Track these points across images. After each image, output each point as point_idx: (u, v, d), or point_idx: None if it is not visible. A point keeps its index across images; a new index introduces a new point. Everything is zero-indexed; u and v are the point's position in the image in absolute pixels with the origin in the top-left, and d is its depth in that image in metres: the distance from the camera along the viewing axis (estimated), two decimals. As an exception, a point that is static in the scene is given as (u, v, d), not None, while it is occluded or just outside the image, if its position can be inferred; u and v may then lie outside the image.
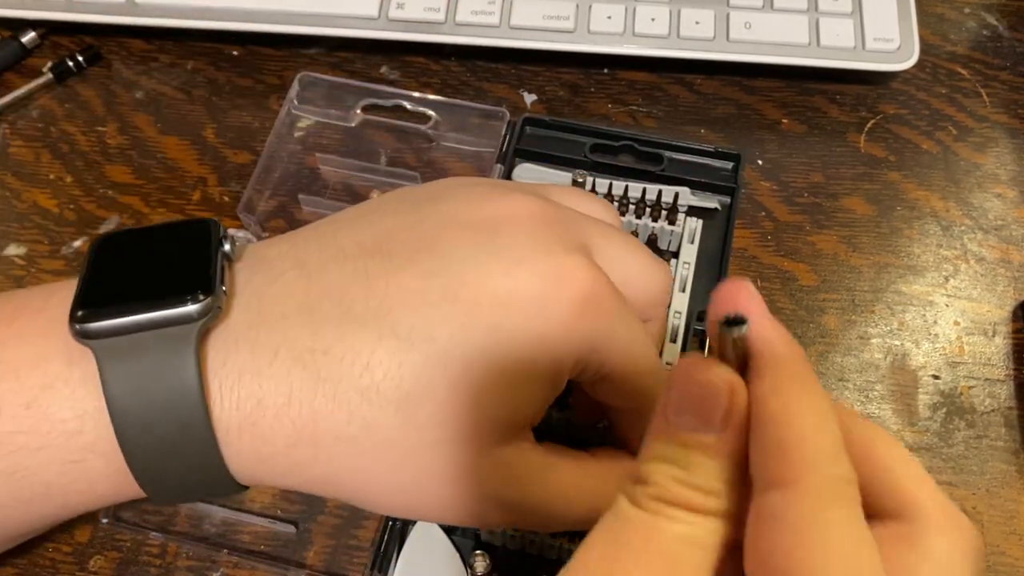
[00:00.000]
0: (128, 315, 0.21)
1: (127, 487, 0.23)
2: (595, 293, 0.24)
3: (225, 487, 0.24)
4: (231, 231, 0.39)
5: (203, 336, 0.22)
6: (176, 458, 0.22)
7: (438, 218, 0.24)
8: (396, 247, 0.24)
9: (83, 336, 0.21)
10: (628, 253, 0.27)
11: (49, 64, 0.46)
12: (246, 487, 0.24)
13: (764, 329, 0.18)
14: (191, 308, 0.21)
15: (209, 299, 0.22)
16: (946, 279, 0.40)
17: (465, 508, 0.24)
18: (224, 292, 0.22)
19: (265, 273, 0.24)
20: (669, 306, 0.37)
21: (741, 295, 0.18)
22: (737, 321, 0.18)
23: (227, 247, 0.24)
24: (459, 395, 0.22)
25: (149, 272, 0.23)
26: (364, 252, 0.24)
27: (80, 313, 0.21)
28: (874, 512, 0.18)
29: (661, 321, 0.30)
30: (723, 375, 0.17)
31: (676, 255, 0.38)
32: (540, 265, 0.23)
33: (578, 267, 0.24)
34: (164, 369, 0.21)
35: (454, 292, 0.23)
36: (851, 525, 0.16)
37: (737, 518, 0.17)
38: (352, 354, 0.22)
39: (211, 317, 0.22)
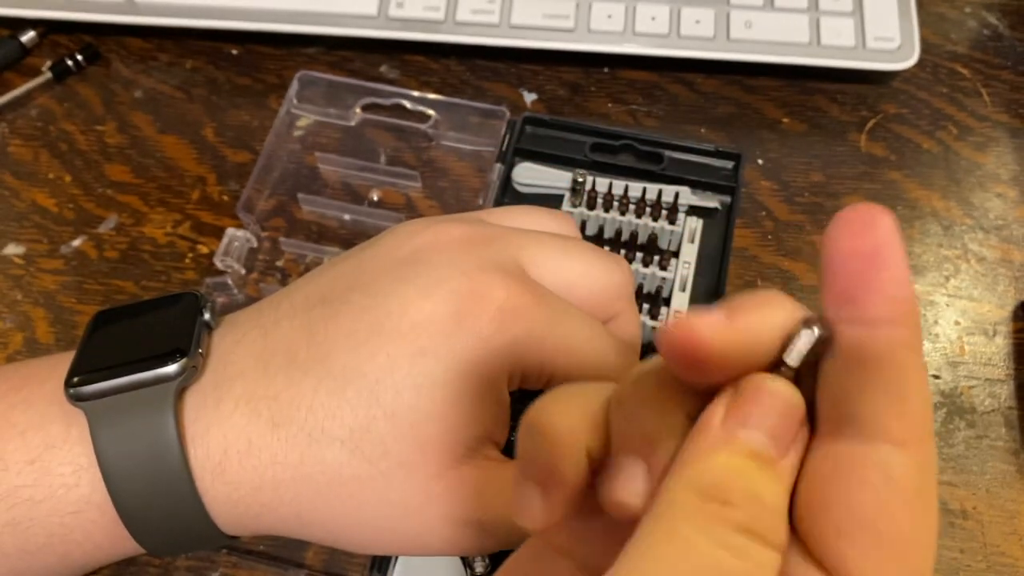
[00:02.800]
0: (114, 378, 0.24)
1: (123, 540, 0.25)
2: (513, 303, 0.25)
3: (211, 536, 0.25)
4: (231, 230, 0.39)
5: (181, 395, 0.24)
6: (162, 507, 0.24)
7: (372, 259, 0.27)
8: (336, 293, 0.26)
9: (76, 399, 0.24)
10: (566, 259, 0.27)
11: (48, 63, 0.46)
12: (235, 537, 0.26)
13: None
14: (169, 369, 0.24)
15: (185, 360, 0.24)
16: (947, 279, 0.40)
17: (436, 535, 0.25)
18: (200, 354, 0.25)
19: (232, 335, 0.26)
20: (669, 305, 0.37)
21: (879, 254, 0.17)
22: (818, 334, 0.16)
23: (207, 316, 0.26)
24: (397, 422, 0.24)
25: (136, 340, 0.26)
26: (310, 304, 0.26)
27: (74, 379, 0.24)
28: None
29: (627, 316, 0.30)
30: (797, 395, 0.17)
31: (676, 255, 0.38)
32: (455, 284, 0.25)
33: (493, 281, 0.25)
34: (146, 425, 0.24)
35: (380, 325, 0.24)
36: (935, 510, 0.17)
37: None
38: (298, 398, 0.24)
39: (187, 376, 0.24)
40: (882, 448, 0.16)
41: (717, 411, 0.17)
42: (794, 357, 0.17)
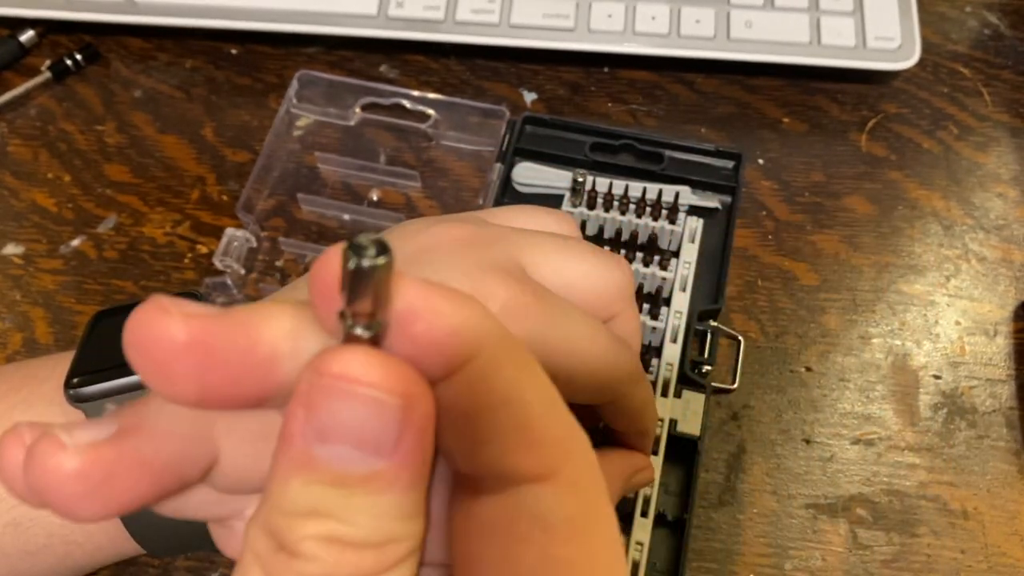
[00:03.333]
0: (114, 379, 0.24)
1: (123, 541, 0.25)
2: (514, 303, 0.24)
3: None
4: (230, 230, 0.39)
5: None
6: None
7: None
8: None
9: (76, 400, 0.24)
10: (567, 259, 0.27)
11: (47, 63, 0.46)
12: None
13: (434, 294, 0.13)
14: None
15: None
16: (947, 279, 0.40)
17: None
18: None
19: None
20: (669, 305, 0.36)
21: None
22: (374, 250, 0.12)
23: None
24: None
25: None
26: None
27: (74, 380, 0.24)
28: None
29: (627, 316, 0.30)
30: (393, 378, 0.12)
31: (677, 254, 0.38)
32: (455, 284, 0.24)
33: (494, 281, 0.24)
34: None
35: None
36: (614, 518, 0.14)
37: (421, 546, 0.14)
38: None
39: None
40: (526, 491, 0.13)
41: (296, 415, 0.13)
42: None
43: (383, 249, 0.12)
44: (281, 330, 0.13)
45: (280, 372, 0.13)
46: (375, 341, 0.13)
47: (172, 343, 0.13)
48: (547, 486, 0.13)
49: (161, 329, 0.13)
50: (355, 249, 0.12)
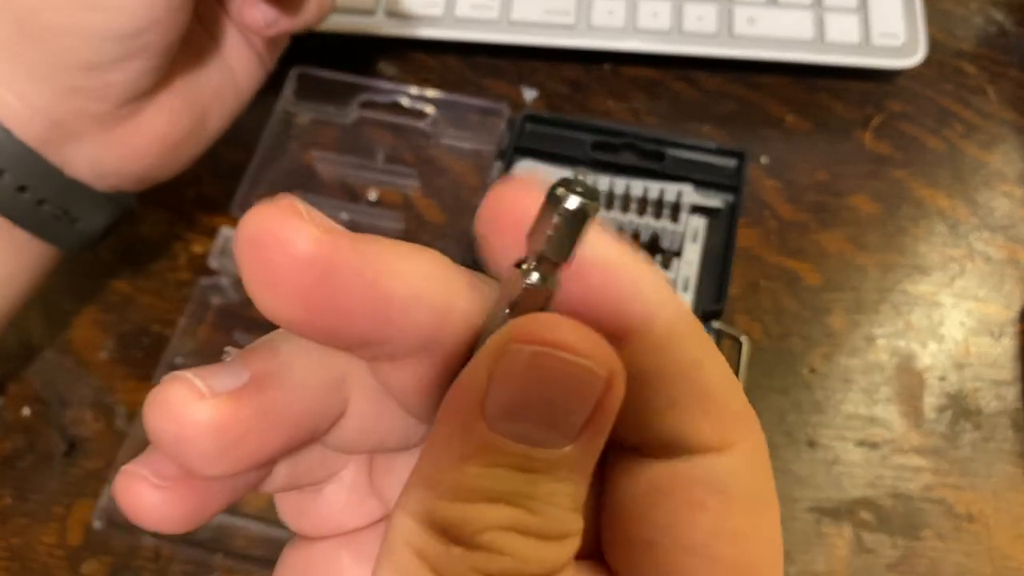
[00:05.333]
0: None
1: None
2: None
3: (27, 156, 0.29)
4: (226, 229, 0.38)
5: None
6: None
7: None
8: None
9: None
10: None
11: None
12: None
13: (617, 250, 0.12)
14: None
15: None
16: (952, 279, 0.39)
17: None
18: None
19: None
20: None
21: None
22: (587, 190, 0.11)
23: None
24: None
25: None
26: None
27: None
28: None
29: None
30: (598, 346, 0.11)
31: (679, 254, 0.37)
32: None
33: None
34: None
35: None
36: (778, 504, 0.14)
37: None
38: None
39: None
40: (705, 461, 0.13)
41: (470, 379, 0.11)
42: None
43: (594, 192, 0.11)
44: (415, 274, 0.12)
45: (402, 318, 0.12)
46: (547, 299, 0.11)
47: (295, 252, 0.11)
48: (726, 457, 0.13)
49: (289, 233, 0.11)
50: (568, 185, 0.11)
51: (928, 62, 0.44)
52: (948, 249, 0.40)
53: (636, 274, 0.12)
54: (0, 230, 0.30)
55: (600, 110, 0.44)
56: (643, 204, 0.38)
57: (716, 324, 0.36)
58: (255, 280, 0.11)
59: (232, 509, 0.34)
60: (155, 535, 0.34)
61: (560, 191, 0.11)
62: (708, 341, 0.13)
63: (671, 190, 0.39)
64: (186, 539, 0.34)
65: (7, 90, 0.28)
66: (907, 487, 0.35)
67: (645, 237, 0.38)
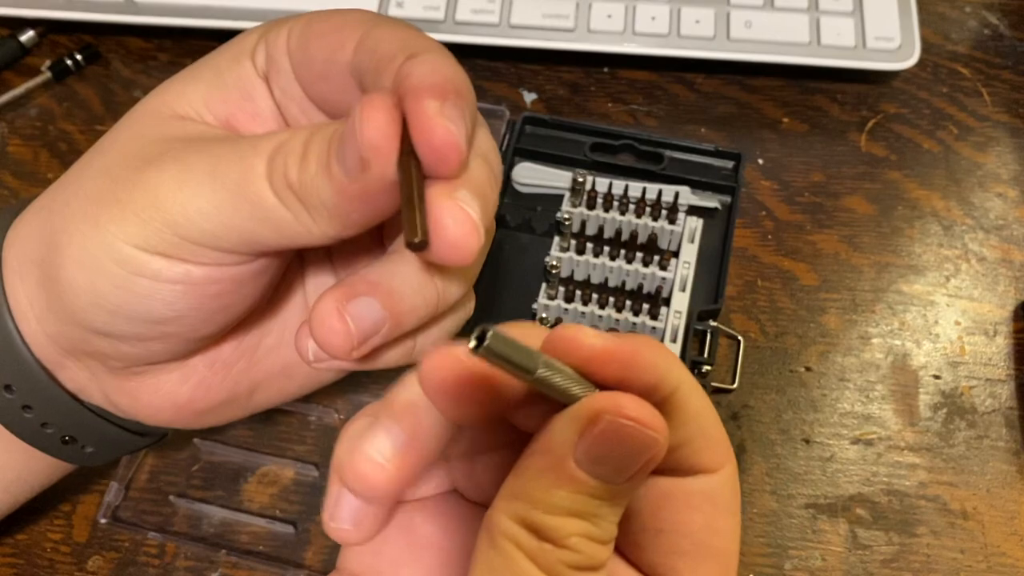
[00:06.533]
0: None
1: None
2: None
3: (38, 375, 0.26)
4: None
5: None
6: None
7: None
8: None
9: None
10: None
11: (48, 63, 0.46)
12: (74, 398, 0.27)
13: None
14: None
15: None
16: (947, 279, 0.40)
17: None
18: None
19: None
20: (669, 305, 0.36)
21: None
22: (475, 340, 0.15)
23: None
24: None
25: None
26: None
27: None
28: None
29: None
30: (656, 419, 0.16)
31: (676, 254, 0.38)
32: None
33: None
34: None
35: None
36: None
37: None
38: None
39: None
40: (701, 479, 0.19)
41: (562, 432, 0.16)
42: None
43: (482, 335, 0.14)
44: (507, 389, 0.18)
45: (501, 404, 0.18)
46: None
47: (446, 374, 0.17)
48: (715, 477, 0.19)
49: (449, 369, 0.17)
50: (479, 338, 0.14)
51: (923, 64, 0.45)
52: (943, 249, 0.41)
53: (655, 356, 0.17)
54: (7, 437, 0.27)
55: (599, 112, 0.45)
56: (641, 205, 0.38)
57: (713, 323, 0.37)
58: (429, 379, 0.17)
59: (236, 505, 0.35)
60: (161, 531, 0.34)
61: (473, 346, 0.14)
62: (703, 392, 0.19)
63: (669, 191, 0.39)
64: (190, 535, 0.34)
65: (29, 305, 0.25)
66: (902, 484, 0.35)
67: (643, 237, 0.38)
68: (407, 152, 0.20)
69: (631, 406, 0.16)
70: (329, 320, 0.22)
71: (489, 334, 0.14)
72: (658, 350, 0.17)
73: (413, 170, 0.20)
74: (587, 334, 0.16)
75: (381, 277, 0.23)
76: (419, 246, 0.20)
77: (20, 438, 0.27)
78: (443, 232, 0.21)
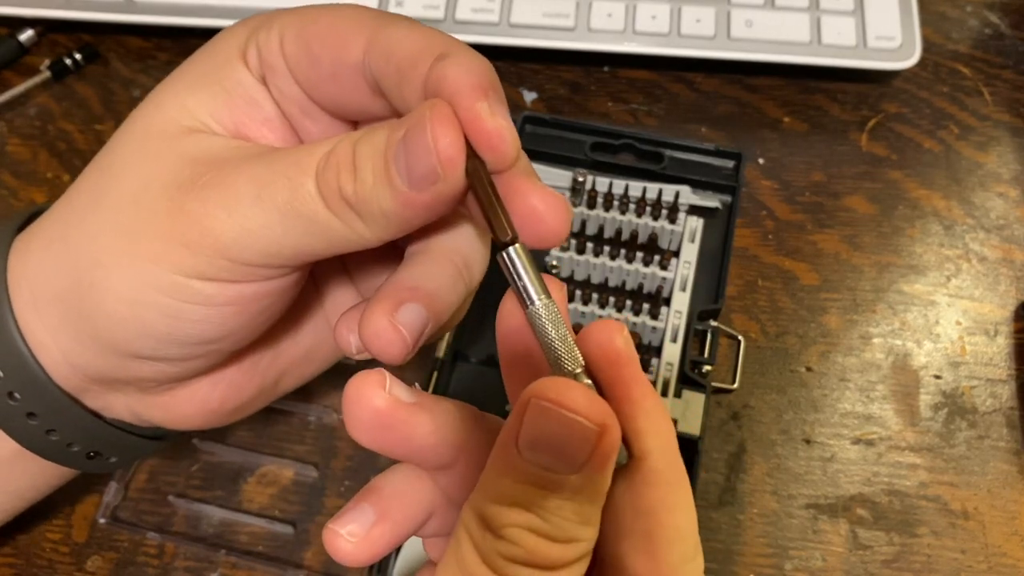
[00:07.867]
0: None
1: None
2: None
3: (52, 390, 0.26)
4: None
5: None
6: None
7: None
8: None
9: None
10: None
11: (47, 62, 0.45)
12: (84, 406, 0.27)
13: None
14: None
15: None
16: (948, 279, 0.40)
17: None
18: None
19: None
20: (669, 305, 0.36)
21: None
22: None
23: None
24: None
25: None
26: None
27: None
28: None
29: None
30: (593, 408, 0.16)
31: (677, 254, 0.38)
32: None
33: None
34: None
35: None
36: None
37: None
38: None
39: None
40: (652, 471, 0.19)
41: (512, 418, 0.16)
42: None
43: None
44: (438, 425, 0.20)
45: (431, 454, 0.20)
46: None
47: (369, 409, 0.19)
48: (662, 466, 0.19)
49: (369, 395, 0.19)
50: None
51: (924, 64, 0.45)
52: (943, 249, 0.41)
53: (646, 406, 0.18)
54: (25, 452, 0.27)
55: (599, 112, 0.45)
56: (642, 204, 0.38)
57: (713, 323, 0.37)
58: (348, 421, 0.19)
59: (235, 506, 0.35)
60: (160, 531, 0.34)
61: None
62: (686, 492, 0.19)
63: (669, 191, 0.39)
64: (190, 536, 0.34)
65: (51, 338, 0.25)
66: (903, 484, 0.35)
67: (643, 237, 0.38)
68: (470, 156, 0.21)
69: (568, 394, 0.16)
70: (386, 334, 0.22)
71: (518, 244, 0.17)
72: (654, 408, 0.18)
73: (482, 172, 0.21)
74: (623, 336, 0.18)
75: (419, 281, 0.24)
76: (510, 242, 0.20)
77: (45, 458, 0.27)
78: (539, 217, 0.21)
